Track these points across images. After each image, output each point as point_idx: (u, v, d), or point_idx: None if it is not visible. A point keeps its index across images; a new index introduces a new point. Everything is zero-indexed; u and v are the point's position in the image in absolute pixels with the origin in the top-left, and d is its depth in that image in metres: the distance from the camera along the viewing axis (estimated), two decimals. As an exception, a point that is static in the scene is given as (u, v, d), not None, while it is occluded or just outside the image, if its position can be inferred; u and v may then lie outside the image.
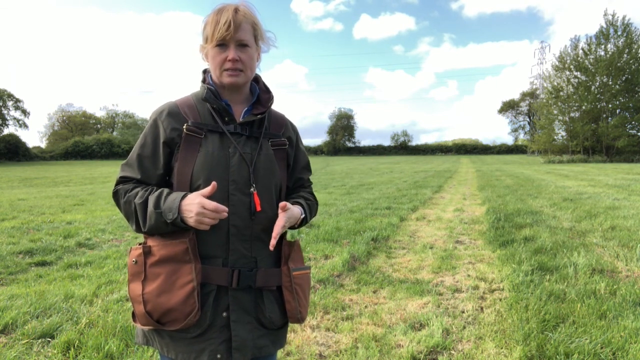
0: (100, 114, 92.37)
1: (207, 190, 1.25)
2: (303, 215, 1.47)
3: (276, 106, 1.54)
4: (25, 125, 64.33)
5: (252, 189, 1.37)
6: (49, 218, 8.51)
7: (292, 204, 1.45)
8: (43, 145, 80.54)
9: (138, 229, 1.34)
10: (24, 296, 3.90)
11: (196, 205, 1.22)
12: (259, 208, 1.37)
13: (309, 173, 1.64)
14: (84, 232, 6.96)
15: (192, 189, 1.33)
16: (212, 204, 1.23)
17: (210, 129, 1.37)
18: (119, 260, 5.20)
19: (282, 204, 1.35)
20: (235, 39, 1.34)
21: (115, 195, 1.41)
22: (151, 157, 1.39)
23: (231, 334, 1.35)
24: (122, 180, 1.41)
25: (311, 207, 1.55)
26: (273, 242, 1.32)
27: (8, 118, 62.19)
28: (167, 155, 1.38)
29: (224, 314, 1.35)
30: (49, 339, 3.08)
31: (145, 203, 1.31)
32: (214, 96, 1.38)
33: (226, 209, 1.26)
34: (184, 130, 1.35)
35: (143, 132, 1.42)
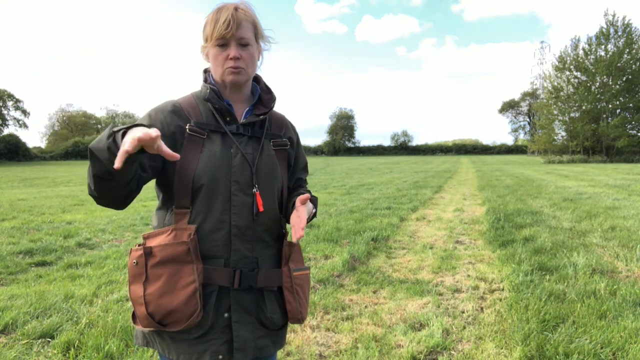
0: (100, 114, 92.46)
1: (166, 149, 1.08)
2: (314, 210, 1.49)
3: (279, 107, 1.55)
4: (25, 126, 64.41)
5: (254, 190, 1.37)
6: (49, 218, 8.52)
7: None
8: (43, 145, 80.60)
9: (93, 170, 1.15)
10: (24, 296, 3.90)
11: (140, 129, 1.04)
12: (261, 208, 1.37)
13: (306, 174, 1.67)
14: (84, 232, 6.97)
15: (195, 188, 1.33)
16: (152, 131, 1.03)
17: (213, 129, 1.37)
18: (119, 260, 5.20)
19: (303, 196, 1.32)
20: (236, 37, 1.34)
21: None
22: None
23: (232, 334, 1.35)
24: None
25: (315, 204, 1.57)
26: (302, 232, 1.27)
27: (8, 118, 62.24)
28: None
29: (226, 314, 1.35)
30: (49, 339, 3.08)
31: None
32: (216, 96, 1.38)
33: (149, 133, 1.02)
34: (187, 130, 1.34)
35: (140, 119, 1.37)
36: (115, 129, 1.10)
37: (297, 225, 1.29)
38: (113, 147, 1.07)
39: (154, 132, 1.03)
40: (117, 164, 1.01)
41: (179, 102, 1.40)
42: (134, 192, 1.27)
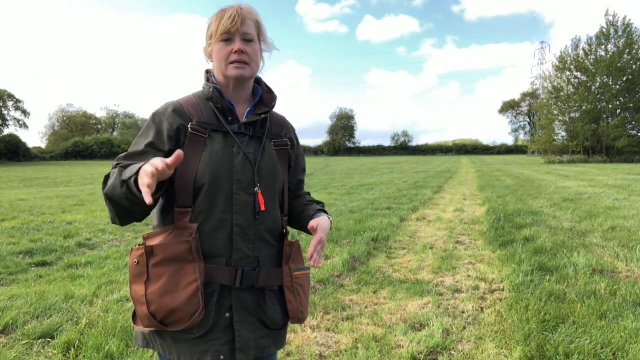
0: (100, 114, 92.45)
1: (170, 159, 1.09)
2: (330, 219, 1.51)
3: (279, 106, 1.55)
4: (25, 126, 64.29)
5: (256, 189, 1.37)
6: (49, 218, 8.51)
7: (315, 213, 1.50)
8: (43, 145, 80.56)
9: (110, 210, 1.28)
10: (24, 296, 3.90)
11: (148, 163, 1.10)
12: (262, 207, 1.37)
13: (304, 174, 1.69)
14: (84, 232, 6.97)
15: (196, 187, 1.33)
16: (158, 161, 1.08)
17: (214, 128, 1.38)
18: (119, 260, 5.20)
19: (309, 225, 1.40)
20: (241, 32, 1.36)
21: (105, 179, 1.30)
22: (155, 146, 1.34)
23: (234, 334, 1.35)
24: (117, 165, 1.31)
25: (324, 208, 1.60)
26: (313, 262, 1.36)
27: (8, 118, 62.14)
28: (171, 150, 1.35)
29: (227, 314, 1.35)
30: (49, 339, 3.08)
31: (123, 168, 1.25)
32: (219, 95, 1.39)
33: (166, 161, 1.08)
34: (189, 129, 1.35)
35: (144, 127, 1.39)
36: (124, 177, 1.19)
37: (317, 254, 1.37)
38: (130, 195, 1.19)
39: (160, 163, 1.07)
40: (149, 199, 1.05)
41: (179, 102, 1.41)
42: (146, 214, 1.35)
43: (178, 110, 1.38)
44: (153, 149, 1.34)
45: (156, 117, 1.38)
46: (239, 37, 1.36)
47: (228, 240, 1.35)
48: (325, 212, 1.53)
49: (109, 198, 1.25)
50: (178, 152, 1.10)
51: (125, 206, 1.25)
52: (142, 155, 1.32)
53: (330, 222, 1.50)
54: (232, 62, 1.37)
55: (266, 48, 1.48)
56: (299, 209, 1.56)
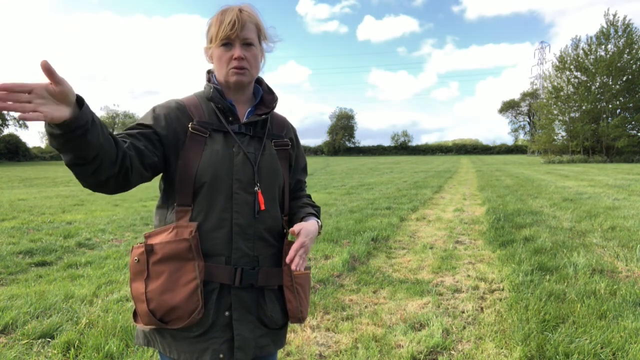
0: (100, 114, 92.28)
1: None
2: (320, 224, 1.49)
3: (279, 107, 1.56)
4: (25, 126, 64.18)
5: (256, 188, 1.38)
6: (49, 218, 8.51)
7: (305, 217, 1.48)
8: (43, 145, 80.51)
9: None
10: (24, 296, 3.90)
11: None
12: (262, 207, 1.38)
13: (306, 175, 1.68)
14: (84, 232, 6.97)
15: (196, 186, 1.34)
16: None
17: (215, 128, 1.39)
18: (119, 260, 5.20)
19: (291, 230, 1.37)
20: (241, 37, 1.36)
21: None
22: (148, 127, 1.32)
23: (233, 333, 1.35)
24: None
25: (319, 213, 1.59)
26: (294, 265, 1.34)
27: (8, 118, 62.08)
28: (165, 139, 1.33)
29: (226, 312, 1.36)
30: (49, 339, 3.08)
31: None
32: (219, 95, 1.40)
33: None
34: (189, 128, 1.35)
35: (142, 116, 1.38)
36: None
37: (299, 258, 1.34)
38: (49, 129, 1.05)
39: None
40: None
41: (182, 101, 1.42)
42: (130, 172, 1.20)
43: (180, 107, 1.39)
44: (145, 128, 1.31)
45: (157, 108, 1.38)
46: (239, 42, 1.36)
47: (228, 239, 1.35)
48: (316, 216, 1.51)
49: (58, 149, 1.08)
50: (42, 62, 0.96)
51: (71, 156, 1.07)
52: (132, 136, 1.27)
53: (320, 226, 1.49)
54: (232, 68, 1.37)
55: (268, 47, 1.48)
56: (293, 210, 1.56)
